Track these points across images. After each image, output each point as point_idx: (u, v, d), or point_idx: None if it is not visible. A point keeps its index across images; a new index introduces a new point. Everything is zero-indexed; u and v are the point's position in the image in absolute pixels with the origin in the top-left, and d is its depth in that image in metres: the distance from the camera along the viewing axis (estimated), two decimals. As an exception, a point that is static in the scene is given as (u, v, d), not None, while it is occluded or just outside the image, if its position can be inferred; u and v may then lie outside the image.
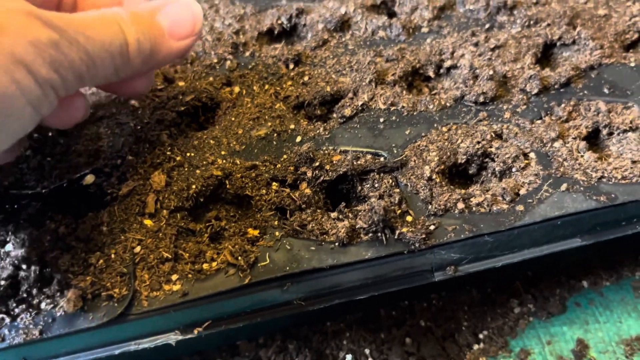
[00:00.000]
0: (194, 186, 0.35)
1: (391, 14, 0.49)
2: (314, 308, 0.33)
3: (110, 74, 0.30)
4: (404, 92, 0.41)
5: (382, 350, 0.43)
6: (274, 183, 0.36)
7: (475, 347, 0.43)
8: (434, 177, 0.36)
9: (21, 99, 0.26)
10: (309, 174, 0.36)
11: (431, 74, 0.43)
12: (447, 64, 0.43)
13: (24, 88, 0.26)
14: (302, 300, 0.33)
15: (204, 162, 0.37)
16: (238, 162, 0.37)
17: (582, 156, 0.37)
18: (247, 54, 0.45)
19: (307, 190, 0.35)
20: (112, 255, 0.33)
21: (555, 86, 0.41)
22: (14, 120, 0.26)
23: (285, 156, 0.37)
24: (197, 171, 0.37)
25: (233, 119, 0.40)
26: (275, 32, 0.47)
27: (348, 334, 0.44)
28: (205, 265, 0.33)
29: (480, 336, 0.44)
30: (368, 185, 0.36)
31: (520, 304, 0.45)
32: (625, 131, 0.39)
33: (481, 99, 0.40)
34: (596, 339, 0.43)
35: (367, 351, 0.43)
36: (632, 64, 0.42)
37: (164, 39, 0.32)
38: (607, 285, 0.46)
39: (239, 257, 0.32)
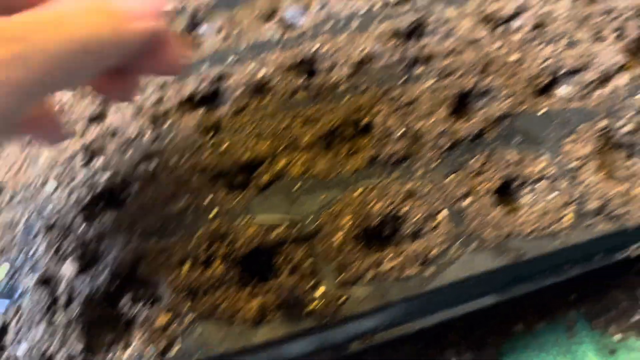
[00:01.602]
0: (105, 272, 0.35)
1: (311, 72, 0.49)
2: (232, 388, 0.33)
3: (77, 74, 0.27)
4: (321, 154, 0.42)
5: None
6: (186, 263, 0.36)
7: (411, 405, 0.43)
8: (346, 244, 0.36)
9: None
10: (221, 251, 0.36)
11: (349, 133, 0.44)
12: (364, 121, 0.43)
13: None
14: (217, 383, 0.33)
15: (119, 245, 0.37)
16: (152, 242, 0.37)
17: (492, 211, 0.37)
18: (167, 124, 0.45)
19: (220, 268, 0.35)
20: None
21: (468, 138, 0.41)
22: None
23: (200, 232, 0.37)
24: (110, 256, 0.36)
25: (149, 195, 0.40)
26: (197, 98, 0.48)
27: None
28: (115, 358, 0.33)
29: (416, 393, 0.43)
30: (283, 257, 0.36)
31: (456, 353, 0.45)
32: (536, 181, 0.39)
33: (393, 159, 0.40)
34: (532, 384, 0.43)
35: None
36: (543, 111, 0.43)
37: (122, 23, 0.28)
38: (541, 327, 0.46)
39: (149, 347, 0.32)
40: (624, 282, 0.48)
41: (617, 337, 0.45)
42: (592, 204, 0.37)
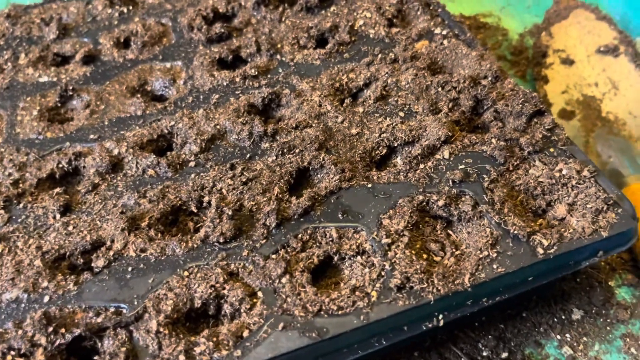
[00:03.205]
0: None
1: (168, 147, 0.52)
2: None
3: None
4: (159, 234, 0.44)
5: None
6: (11, 352, 0.38)
7: None
8: (161, 329, 0.38)
9: None
10: (43, 341, 0.38)
11: (194, 209, 0.46)
12: (206, 199, 0.46)
13: None
14: None
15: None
16: (-19, 332, 0.39)
17: (305, 291, 0.40)
18: (21, 205, 0.47)
19: (41, 358, 0.37)
20: None
21: (295, 216, 0.44)
22: None
23: (28, 320, 0.39)
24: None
25: (-11, 282, 0.42)
26: (57, 176, 0.50)
27: None
28: None
29: None
30: (106, 343, 0.38)
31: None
32: (353, 256, 0.42)
33: (221, 239, 0.43)
34: None
35: None
36: (370, 185, 0.46)
37: None
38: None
39: None
40: (465, 338, 0.51)
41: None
42: (395, 281, 0.40)
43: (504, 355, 0.50)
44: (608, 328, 0.50)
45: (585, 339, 0.50)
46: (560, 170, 0.46)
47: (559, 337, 0.51)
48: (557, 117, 0.67)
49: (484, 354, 0.50)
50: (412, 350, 0.50)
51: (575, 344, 0.50)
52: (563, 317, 0.52)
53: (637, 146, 0.62)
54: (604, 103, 0.67)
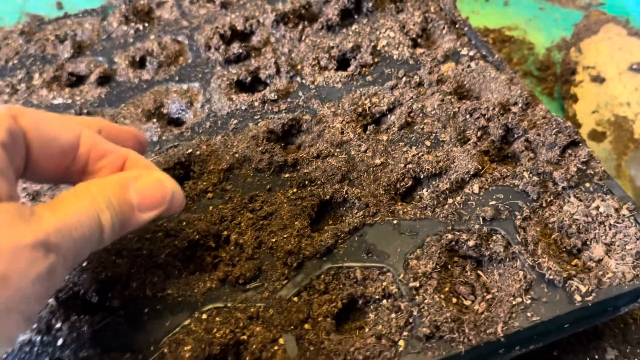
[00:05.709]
0: None
1: (185, 176, 0.50)
2: None
3: (82, 259, 0.32)
4: (176, 272, 0.42)
5: None
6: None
7: None
8: (179, 379, 0.36)
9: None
10: (56, 390, 0.36)
11: (212, 244, 0.44)
12: (225, 234, 0.44)
13: (10, 333, 0.27)
14: None
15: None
16: None
17: (328, 339, 0.38)
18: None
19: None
20: None
21: (317, 255, 0.42)
22: None
23: (42, 366, 0.38)
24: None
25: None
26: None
27: None
28: None
29: None
30: (120, 392, 0.37)
31: None
32: (379, 299, 0.40)
33: (242, 279, 0.41)
34: None
35: None
36: (395, 221, 0.44)
37: (133, 214, 0.33)
38: None
39: None
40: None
41: None
42: (424, 330, 0.38)
43: (533, 396, 0.48)
44: (644, 370, 0.48)
45: (619, 380, 0.48)
46: (597, 208, 0.43)
47: (591, 378, 0.48)
48: (587, 139, 0.64)
49: (512, 395, 0.48)
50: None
51: (609, 386, 0.48)
52: (596, 356, 0.49)
53: (673, 172, 0.59)
54: (636, 124, 0.64)
